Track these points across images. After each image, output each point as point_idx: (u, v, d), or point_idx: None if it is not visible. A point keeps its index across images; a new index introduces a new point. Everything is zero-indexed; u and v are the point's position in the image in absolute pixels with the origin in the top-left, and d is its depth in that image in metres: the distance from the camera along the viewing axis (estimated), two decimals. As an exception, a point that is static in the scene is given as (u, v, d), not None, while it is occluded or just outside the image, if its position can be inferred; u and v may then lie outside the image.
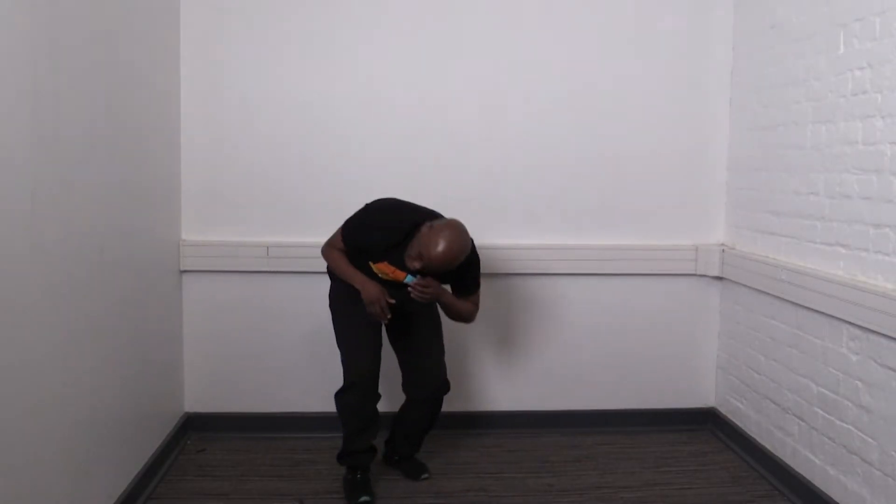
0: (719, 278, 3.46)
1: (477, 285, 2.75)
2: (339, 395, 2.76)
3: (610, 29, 3.37)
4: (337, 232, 2.73)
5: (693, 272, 3.47)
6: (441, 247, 2.43)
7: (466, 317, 2.77)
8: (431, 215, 2.61)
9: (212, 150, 3.27)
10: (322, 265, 3.30)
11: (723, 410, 3.48)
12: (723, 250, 3.41)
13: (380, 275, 2.64)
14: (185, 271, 3.30)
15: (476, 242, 3.15)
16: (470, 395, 3.44)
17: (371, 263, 2.64)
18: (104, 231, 2.43)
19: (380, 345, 2.78)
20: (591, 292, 3.47)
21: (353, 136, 3.31)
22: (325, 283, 3.33)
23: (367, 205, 2.69)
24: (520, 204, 3.39)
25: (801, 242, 2.84)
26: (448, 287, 2.71)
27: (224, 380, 3.37)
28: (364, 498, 2.74)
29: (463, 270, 2.61)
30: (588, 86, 3.37)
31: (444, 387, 2.83)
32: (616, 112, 3.39)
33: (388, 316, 2.61)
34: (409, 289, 2.56)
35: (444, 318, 2.85)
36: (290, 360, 3.39)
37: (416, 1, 3.30)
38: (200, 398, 3.37)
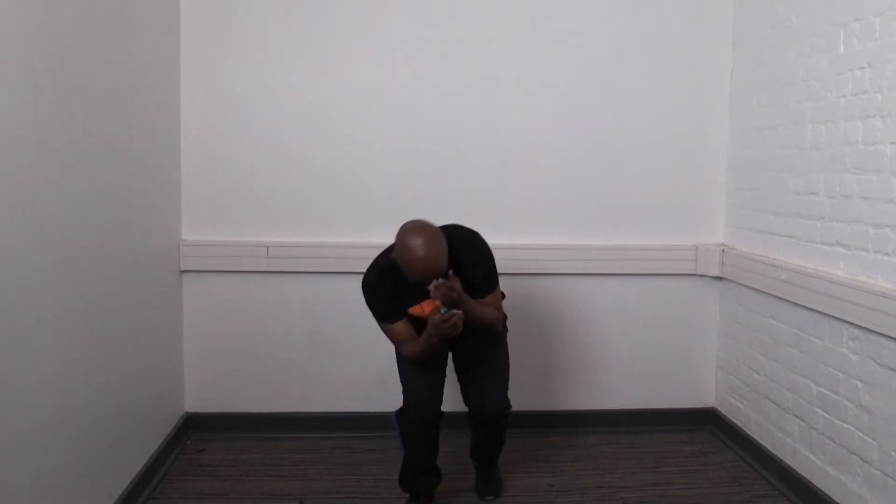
0: (719, 278, 3.46)
1: (489, 283, 2.56)
2: (399, 415, 2.66)
3: (610, 29, 3.37)
4: (383, 328, 2.58)
5: (693, 272, 3.47)
6: (413, 255, 2.29)
7: (492, 322, 2.57)
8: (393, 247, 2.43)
9: (212, 150, 3.28)
10: (322, 265, 3.32)
11: (723, 410, 3.48)
12: (723, 250, 3.41)
13: (422, 317, 2.51)
14: (185, 271, 3.30)
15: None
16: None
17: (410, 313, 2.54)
18: (104, 231, 2.43)
19: (442, 370, 2.68)
20: (591, 292, 3.47)
21: (352, 136, 3.31)
22: (324, 284, 3.35)
23: (363, 286, 2.56)
24: (520, 204, 3.39)
25: (801, 242, 2.84)
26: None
27: (224, 380, 3.37)
28: None
29: (468, 265, 2.47)
30: (588, 86, 3.37)
31: (501, 410, 2.67)
32: (616, 112, 3.39)
33: (460, 329, 2.40)
34: (430, 289, 2.34)
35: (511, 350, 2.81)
36: (290, 360, 3.39)
37: (414, 4, 3.30)
38: (200, 398, 3.37)
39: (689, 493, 2.90)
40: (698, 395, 3.57)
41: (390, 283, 2.49)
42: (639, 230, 3.45)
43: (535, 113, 3.37)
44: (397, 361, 2.72)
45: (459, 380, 2.77)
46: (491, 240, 3.29)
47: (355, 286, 3.35)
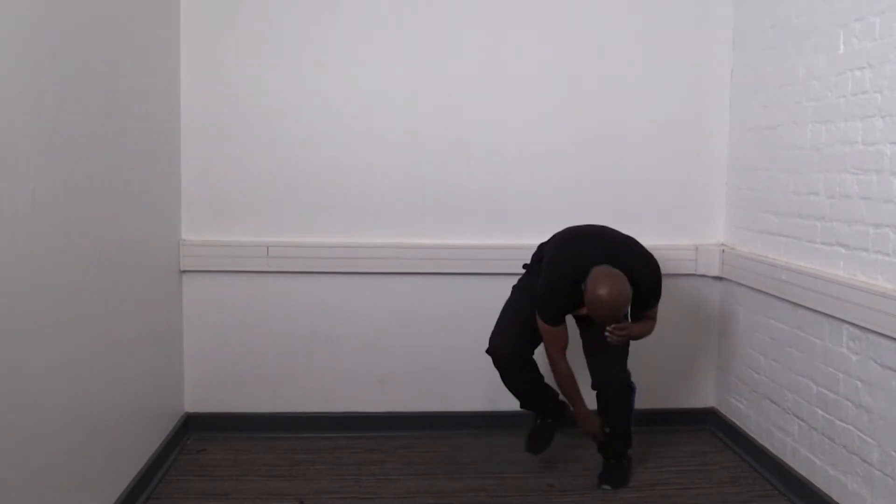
0: (719, 278, 3.46)
1: (655, 299, 2.83)
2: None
3: (610, 29, 3.37)
4: (545, 325, 2.77)
5: (693, 272, 3.47)
6: (602, 304, 2.60)
7: (646, 334, 2.89)
8: (594, 259, 2.71)
9: (212, 150, 3.27)
10: (322, 266, 3.33)
11: (723, 410, 3.48)
12: (723, 250, 3.41)
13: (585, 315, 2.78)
14: (185, 271, 3.29)
15: (476, 243, 3.21)
16: (470, 395, 3.44)
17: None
18: (104, 231, 2.43)
19: (526, 330, 2.85)
20: (591, 292, 3.46)
21: (352, 136, 3.31)
22: (324, 284, 3.35)
23: (546, 281, 2.77)
24: (520, 204, 3.39)
25: (801, 242, 2.84)
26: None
27: (224, 380, 3.37)
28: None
29: (642, 280, 2.74)
30: (588, 86, 3.37)
31: (617, 384, 2.88)
32: (616, 112, 3.39)
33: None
34: (607, 334, 2.75)
35: None
36: (290, 360, 3.39)
37: (414, 2, 3.30)
38: (200, 398, 3.37)
39: (689, 493, 2.90)
40: (698, 395, 3.57)
41: (573, 298, 2.72)
42: (639, 230, 3.42)
43: (535, 113, 3.37)
44: (503, 308, 2.96)
45: (585, 353, 2.93)
46: (491, 240, 3.33)
47: (356, 286, 3.38)
